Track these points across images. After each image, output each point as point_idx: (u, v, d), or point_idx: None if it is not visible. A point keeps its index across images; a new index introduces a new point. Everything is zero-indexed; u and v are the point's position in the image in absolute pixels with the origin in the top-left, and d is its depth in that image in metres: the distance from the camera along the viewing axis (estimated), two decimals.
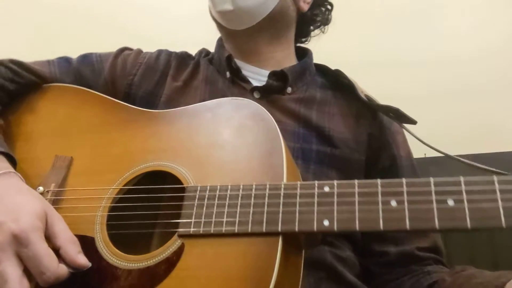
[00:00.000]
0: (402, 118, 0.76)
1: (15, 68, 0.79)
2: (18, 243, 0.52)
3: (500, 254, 0.99)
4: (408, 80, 1.36)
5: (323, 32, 0.97)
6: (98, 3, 1.58)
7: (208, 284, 0.53)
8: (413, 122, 0.75)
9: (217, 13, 0.83)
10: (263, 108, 0.66)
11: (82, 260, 0.55)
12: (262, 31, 0.83)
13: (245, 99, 0.68)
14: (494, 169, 0.57)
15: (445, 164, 1.09)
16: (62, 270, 0.53)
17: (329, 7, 0.95)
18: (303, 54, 0.91)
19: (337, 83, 0.86)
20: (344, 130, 0.79)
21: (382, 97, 0.81)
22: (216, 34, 0.93)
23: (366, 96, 0.81)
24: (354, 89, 0.81)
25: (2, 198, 0.57)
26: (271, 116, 0.64)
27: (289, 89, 0.82)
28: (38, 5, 1.58)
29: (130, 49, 0.91)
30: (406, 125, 0.78)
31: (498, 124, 1.25)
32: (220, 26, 0.87)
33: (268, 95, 0.81)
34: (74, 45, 1.44)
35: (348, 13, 1.43)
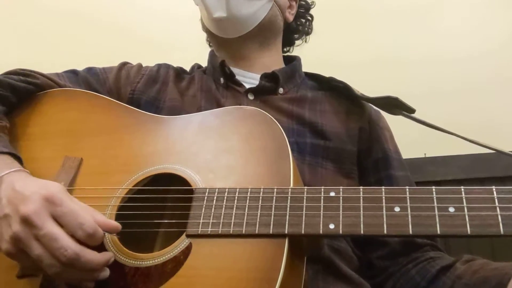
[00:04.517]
0: (401, 106, 0.81)
1: (29, 72, 0.81)
2: (52, 203, 0.55)
3: (499, 251, 1.01)
4: (407, 79, 1.38)
5: (305, 42, 1.06)
6: (98, 6, 1.60)
7: (214, 284, 0.55)
8: (411, 110, 0.80)
9: (211, 21, 0.88)
10: (270, 116, 0.68)
11: (114, 223, 0.58)
12: (253, 39, 0.91)
13: (253, 107, 0.71)
14: None
15: (444, 164, 1.11)
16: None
17: (309, 18, 1.05)
18: (291, 60, 0.98)
19: (329, 86, 0.91)
20: (336, 124, 0.85)
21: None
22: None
23: (362, 94, 0.87)
24: (350, 89, 0.87)
25: (25, 180, 0.60)
26: (278, 124, 0.67)
27: (280, 90, 0.88)
28: (38, 9, 1.59)
29: (131, 64, 0.97)
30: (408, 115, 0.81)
31: (498, 124, 1.27)
32: (212, 36, 0.94)
33: (261, 96, 0.86)
34: (76, 50, 1.47)
35: (347, 11, 1.46)
